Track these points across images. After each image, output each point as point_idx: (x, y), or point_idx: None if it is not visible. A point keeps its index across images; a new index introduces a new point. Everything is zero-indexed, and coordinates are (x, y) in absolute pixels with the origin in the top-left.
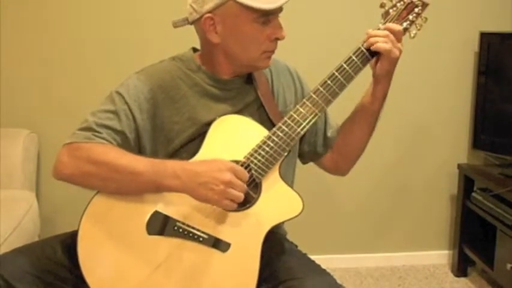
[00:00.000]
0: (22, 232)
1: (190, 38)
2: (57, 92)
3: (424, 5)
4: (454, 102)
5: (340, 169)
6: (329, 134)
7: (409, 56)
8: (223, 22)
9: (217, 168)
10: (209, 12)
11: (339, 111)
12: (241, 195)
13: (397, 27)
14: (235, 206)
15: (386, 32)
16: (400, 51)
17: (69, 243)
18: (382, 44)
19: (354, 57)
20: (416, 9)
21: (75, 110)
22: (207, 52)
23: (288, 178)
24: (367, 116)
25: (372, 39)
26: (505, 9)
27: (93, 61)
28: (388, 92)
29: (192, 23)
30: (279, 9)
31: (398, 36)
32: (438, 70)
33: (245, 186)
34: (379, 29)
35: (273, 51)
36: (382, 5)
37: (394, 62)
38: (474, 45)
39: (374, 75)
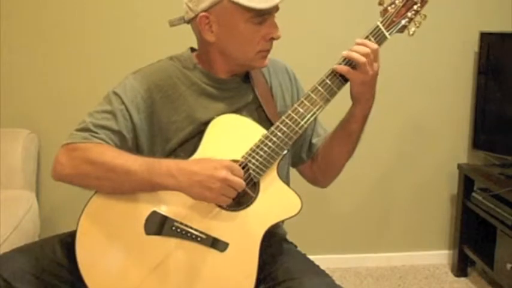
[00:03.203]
0: (22, 232)
1: (189, 38)
2: (57, 92)
3: (423, 2)
4: (454, 102)
5: (318, 181)
6: (314, 140)
7: (409, 56)
8: (218, 21)
9: (213, 166)
10: (204, 11)
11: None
12: (234, 192)
13: (372, 45)
14: (229, 200)
15: (368, 51)
16: (374, 72)
17: (68, 243)
18: (340, 66)
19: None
20: (415, 7)
21: (75, 110)
22: (203, 51)
23: (285, 177)
24: (344, 135)
25: (337, 67)
26: (505, 9)
27: (92, 61)
28: (388, 92)
29: (188, 22)
30: (275, 9)
31: (374, 54)
32: (438, 70)
33: (242, 181)
34: (377, 26)
35: (268, 51)
36: (380, 3)
37: (363, 83)
38: (474, 45)
39: (350, 94)
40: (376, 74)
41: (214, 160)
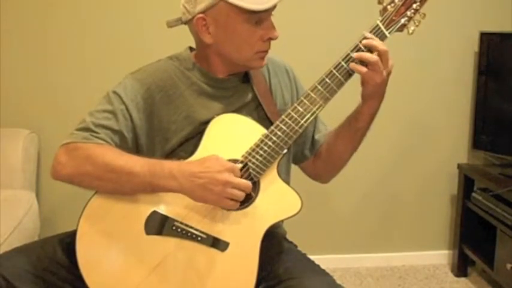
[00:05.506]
0: (22, 232)
1: (188, 38)
2: (57, 92)
3: (423, 1)
4: (454, 102)
5: (320, 177)
6: (316, 137)
7: (409, 56)
8: (215, 23)
9: (215, 169)
10: (201, 12)
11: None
12: (241, 194)
13: (382, 47)
14: (237, 205)
15: (376, 58)
16: (387, 73)
17: (68, 242)
18: (358, 67)
19: (352, 55)
20: (414, 5)
21: (75, 110)
22: (201, 52)
23: (285, 176)
24: (350, 132)
25: (353, 65)
26: (505, 9)
27: (92, 61)
28: (389, 92)
29: (186, 23)
30: (271, 9)
31: (384, 57)
32: (438, 70)
33: (247, 183)
34: (377, 25)
35: (266, 51)
36: (380, 1)
37: (376, 85)
38: (474, 45)
39: (361, 93)
40: (389, 73)
41: (217, 162)
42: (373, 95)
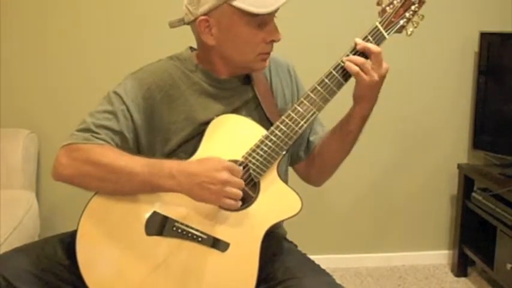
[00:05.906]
0: (22, 232)
1: (189, 38)
2: (57, 92)
3: (421, 3)
4: (454, 102)
5: (312, 180)
6: (311, 138)
7: (409, 56)
8: (218, 25)
9: (214, 167)
10: (204, 14)
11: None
12: (239, 193)
13: (375, 48)
14: (238, 204)
15: (362, 60)
16: (380, 76)
17: (69, 242)
18: (352, 66)
19: (350, 56)
20: (412, 7)
21: (75, 110)
22: (203, 53)
23: (284, 175)
24: (342, 134)
25: (347, 64)
26: (505, 9)
27: (92, 61)
28: (389, 92)
29: (188, 23)
30: (274, 11)
31: (377, 58)
32: (438, 70)
33: (243, 183)
34: (376, 26)
35: (268, 54)
36: (379, 3)
37: (367, 86)
38: (474, 45)
39: (353, 94)
40: (383, 77)
41: (215, 161)
42: (364, 97)
